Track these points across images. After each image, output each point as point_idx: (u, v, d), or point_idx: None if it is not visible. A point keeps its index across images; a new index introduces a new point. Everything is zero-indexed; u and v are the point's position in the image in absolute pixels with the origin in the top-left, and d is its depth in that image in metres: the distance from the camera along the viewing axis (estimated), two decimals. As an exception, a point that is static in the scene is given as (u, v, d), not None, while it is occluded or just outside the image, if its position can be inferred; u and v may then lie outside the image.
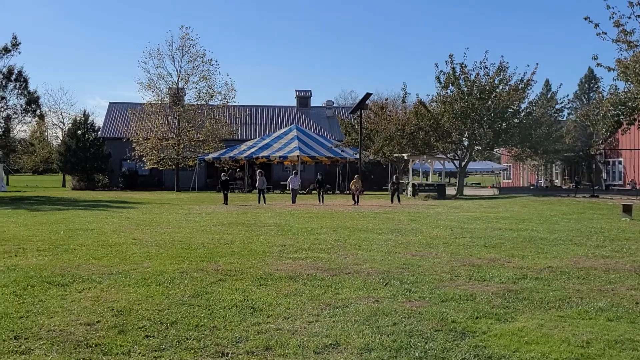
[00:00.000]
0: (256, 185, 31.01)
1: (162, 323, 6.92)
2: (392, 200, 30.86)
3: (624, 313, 7.50)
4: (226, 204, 28.51)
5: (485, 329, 6.76)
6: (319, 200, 30.97)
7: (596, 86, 57.19)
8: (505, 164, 64.77)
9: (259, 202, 29.34)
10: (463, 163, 41.14)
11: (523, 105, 39.66)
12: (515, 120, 39.08)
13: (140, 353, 5.88)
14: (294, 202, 30.55)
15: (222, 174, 33.20)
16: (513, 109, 38.74)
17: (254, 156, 47.53)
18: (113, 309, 7.50)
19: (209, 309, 7.58)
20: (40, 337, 6.34)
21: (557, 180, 59.12)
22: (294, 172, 35.86)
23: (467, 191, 42.05)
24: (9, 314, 7.21)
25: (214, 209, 24.80)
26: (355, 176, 33.11)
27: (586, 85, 58.82)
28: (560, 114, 42.92)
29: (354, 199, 30.67)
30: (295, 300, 8.06)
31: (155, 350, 5.96)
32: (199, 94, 52.06)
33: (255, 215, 21.61)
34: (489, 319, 7.18)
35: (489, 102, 38.01)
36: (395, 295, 8.46)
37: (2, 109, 42.48)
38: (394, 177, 33.29)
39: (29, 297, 8.11)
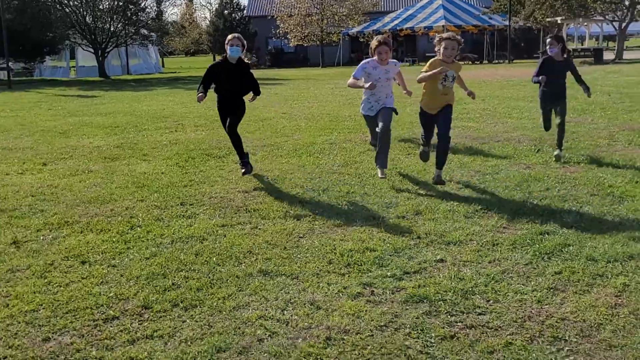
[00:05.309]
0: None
1: (315, 190, 7.16)
2: None
3: None
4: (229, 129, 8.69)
5: (645, 194, 6.46)
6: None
7: None
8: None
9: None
10: (623, 25, 38.09)
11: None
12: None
13: (295, 217, 6.15)
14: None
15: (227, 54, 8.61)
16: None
17: (397, 28, 46.50)
18: (268, 178, 7.85)
19: (359, 177, 7.74)
20: (203, 203, 6.78)
21: None
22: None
23: (627, 55, 39.19)
24: (174, 183, 7.74)
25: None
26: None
27: None
28: None
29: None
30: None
31: (309, 215, 6.21)
32: (342, -35, 51.04)
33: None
34: (650, 184, 6.85)
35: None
36: (548, 161, 8.24)
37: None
38: None
39: (191, 168, 8.63)
